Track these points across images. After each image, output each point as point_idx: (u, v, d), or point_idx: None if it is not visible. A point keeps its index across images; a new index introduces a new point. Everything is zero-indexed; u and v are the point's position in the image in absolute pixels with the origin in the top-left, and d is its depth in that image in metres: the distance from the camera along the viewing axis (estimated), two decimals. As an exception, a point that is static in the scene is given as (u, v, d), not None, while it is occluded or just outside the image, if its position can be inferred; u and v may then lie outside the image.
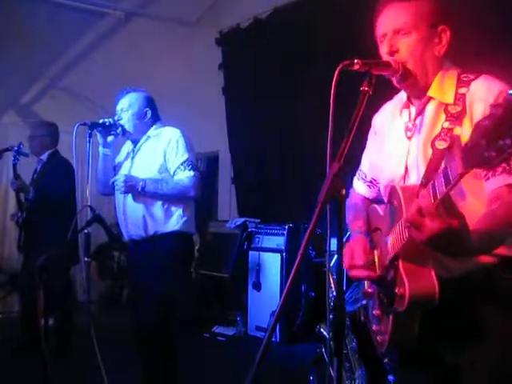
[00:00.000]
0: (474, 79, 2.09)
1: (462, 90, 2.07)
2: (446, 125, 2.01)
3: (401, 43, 2.11)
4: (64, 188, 5.34)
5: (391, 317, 2.05)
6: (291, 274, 1.74)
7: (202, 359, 5.63)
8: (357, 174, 2.57)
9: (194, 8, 8.24)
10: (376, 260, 2.22)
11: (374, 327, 2.24)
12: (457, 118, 2.01)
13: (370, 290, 2.30)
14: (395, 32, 2.11)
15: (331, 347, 1.80)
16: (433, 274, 1.92)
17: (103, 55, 8.50)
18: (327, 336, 2.63)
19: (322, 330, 3.38)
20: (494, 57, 4.40)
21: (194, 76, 8.32)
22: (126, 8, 8.19)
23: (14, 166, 5.79)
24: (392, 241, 2.04)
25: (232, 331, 6.75)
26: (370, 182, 2.55)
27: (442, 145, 1.97)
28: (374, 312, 2.24)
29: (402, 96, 2.29)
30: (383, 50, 2.14)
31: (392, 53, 2.11)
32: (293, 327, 6.15)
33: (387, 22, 2.14)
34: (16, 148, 5.80)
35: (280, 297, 6.20)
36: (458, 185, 1.66)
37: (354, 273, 2.21)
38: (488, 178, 1.98)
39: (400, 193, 2.02)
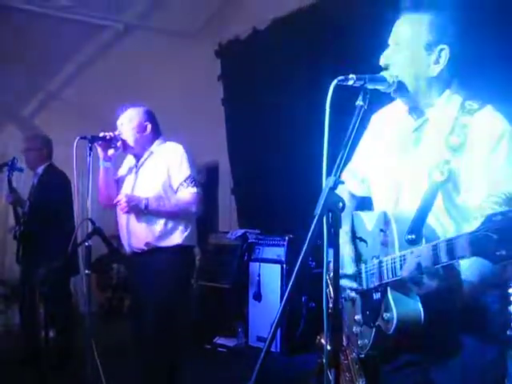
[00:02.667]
0: (477, 109, 2.08)
1: (464, 120, 2.07)
2: (445, 156, 2.02)
3: (395, 57, 2.13)
4: (60, 200, 5.37)
5: (374, 330, 2.13)
6: (289, 286, 1.77)
7: (204, 370, 5.62)
8: (346, 171, 2.53)
9: (193, 20, 8.26)
10: (363, 275, 2.25)
11: (355, 329, 2.28)
12: (456, 151, 2.02)
13: (352, 294, 2.34)
14: (394, 44, 2.15)
15: (328, 358, 1.83)
16: (419, 303, 2.00)
17: (103, 68, 8.52)
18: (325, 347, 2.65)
19: (322, 340, 3.39)
20: (498, 76, 4.44)
21: (194, 87, 8.34)
22: (124, 20, 8.22)
23: (9, 180, 5.82)
24: (382, 269, 2.10)
25: (233, 342, 6.73)
26: (362, 180, 2.55)
27: (438, 177, 2.00)
28: (355, 317, 2.28)
29: (404, 105, 2.29)
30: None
31: (385, 65, 2.14)
32: (293, 337, 6.14)
33: (392, 34, 2.17)
34: (10, 163, 5.84)
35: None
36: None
37: (342, 282, 2.25)
38: None
39: (393, 224, 2.08)
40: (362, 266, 2.26)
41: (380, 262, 2.12)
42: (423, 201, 2.03)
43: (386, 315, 2.03)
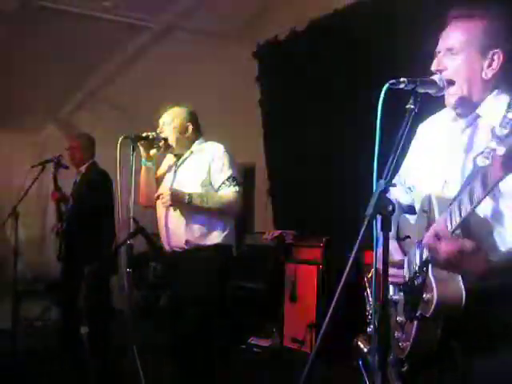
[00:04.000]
0: None
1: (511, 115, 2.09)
2: (491, 144, 2.02)
3: (449, 62, 2.16)
4: (102, 199, 5.43)
5: (415, 323, 2.11)
6: (338, 290, 1.78)
7: (239, 370, 5.65)
8: (396, 178, 2.56)
9: (232, 21, 8.31)
10: (405, 266, 2.27)
11: (397, 334, 2.27)
12: (502, 141, 2.02)
13: (395, 297, 2.34)
14: (447, 50, 2.18)
15: (370, 361, 1.84)
16: (460, 282, 1.97)
17: (142, 68, 8.62)
18: (365, 350, 2.66)
19: (359, 343, 3.38)
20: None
21: (232, 88, 8.39)
22: (163, 22, 8.29)
23: (55, 177, 5.90)
24: (422, 248, 2.10)
25: (268, 343, 6.75)
26: (409, 188, 2.56)
27: (483, 162, 2.00)
28: (397, 319, 2.28)
29: (451, 111, 2.31)
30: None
31: (438, 70, 2.16)
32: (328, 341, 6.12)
33: (443, 39, 2.20)
34: (55, 160, 5.91)
35: (316, 309, 6.20)
36: (496, 207, 1.88)
37: (391, 270, 2.25)
38: None
39: (434, 202, 2.09)
40: (405, 258, 2.27)
41: (420, 242, 2.12)
42: (465, 182, 2.03)
43: (426, 296, 2.02)
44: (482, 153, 2.01)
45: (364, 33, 6.54)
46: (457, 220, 1.87)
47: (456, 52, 2.16)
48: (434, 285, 1.99)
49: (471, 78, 2.16)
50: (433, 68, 2.18)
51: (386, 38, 6.04)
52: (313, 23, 7.52)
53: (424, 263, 2.08)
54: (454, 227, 1.88)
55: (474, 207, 1.79)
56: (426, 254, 2.07)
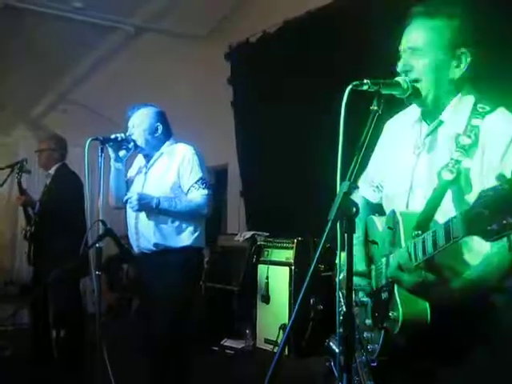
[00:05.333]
0: (488, 112, 2.09)
1: (476, 122, 2.07)
2: (455, 156, 2.03)
3: (416, 62, 2.12)
4: (71, 201, 5.37)
5: (383, 332, 2.13)
6: (302, 289, 1.77)
7: (211, 372, 5.63)
8: (363, 177, 2.56)
9: (203, 23, 8.30)
10: (373, 274, 2.28)
11: (366, 335, 2.29)
12: (466, 151, 2.03)
13: (363, 300, 2.35)
14: (412, 50, 2.13)
15: (340, 362, 1.84)
16: (426, 301, 2.00)
17: (113, 69, 8.57)
18: (336, 350, 2.65)
19: (331, 343, 3.39)
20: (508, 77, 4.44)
21: (204, 90, 8.37)
22: (135, 23, 8.26)
23: (19, 181, 5.84)
24: (389, 265, 2.11)
25: (241, 344, 6.74)
26: (377, 186, 2.55)
27: (448, 176, 2.01)
28: (365, 321, 2.29)
29: (417, 110, 2.28)
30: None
31: (405, 71, 2.12)
32: (302, 341, 6.14)
33: (407, 38, 2.16)
34: (19, 164, 5.85)
35: (289, 310, 6.21)
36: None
37: (356, 280, 2.25)
38: None
39: (400, 220, 2.09)
40: (373, 267, 2.28)
41: (387, 259, 2.13)
42: (431, 198, 2.03)
43: (392, 314, 2.04)
44: (447, 165, 2.02)
45: (336, 34, 6.58)
46: (420, 257, 1.91)
47: (422, 52, 2.11)
48: (399, 304, 2.02)
49: (438, 79, 2.13)
50: (399, 69, 2.14)
51: (359, 39, 6.07)
52: (285, 25, 7.55)
53: (391, 280, 2.09)
54: (417, 262, 1.92)
55: (437, 252, 1.82)
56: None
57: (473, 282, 1.96)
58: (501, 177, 1.51)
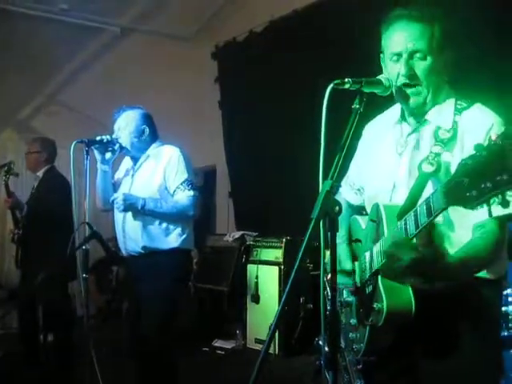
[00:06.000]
0: (466, 107, 2.13)
1: (455, 118, 2.11)
2: (435, 149, 2.04)
3: (417, 67, 2.13)
4: (59, 204, 5.33)
5: (368, 328, 2.13)
6: (287, 288, 1.78)
7: (202, 373, 5.63)
8: (344, 180, 2.57)
9: (190, 23, 8.29)
10: (357, 271, 2.28)
11: (351, 335, 2.30)
12: (446, 144, 2.05)
13: (348, 300, 2.36)
14: (411, 54, 2.13)
15: (326, 360, 1.84)
16: (410, 290, 2.01)
17: (100, 71, 8.54)
18: (326, 349, 2.66)
19: (320, 342, 3.39)
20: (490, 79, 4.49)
21: (191, 90, 8.36)
22: (122, 24, 8.24)
23: (6, 184, 5.80)
24: (373, 257, 2.12)
25: (231, 344, 6.74)
26: (358, 189, 2.57)
27: (428, 168, 2.02)
28: (350, 321, 2.30)
29: (397, 110, 2.31)
30: (399, 70, 2.13)
31: (411, 76, 2.12)
32: (291, 339, 6.15)
33: (403, 41, 2.13)
34: (6, 167, 5.82)
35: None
36: (447, 216, 1.90)
37: (340, 279, 2.26)
38: None
39: (383, 212, 2.10)
40: (356, 264, 2.29)
41: (371, 251, 2.14)
42: (412, 191, 2.05)
43: (376, 305, 2.04)
44: (427, 158, 2.04)
45: (323, 32, 6.58)
46: (413, 230, 1.88)
47: (423, 56, 2.12)
48: (383, 294, 2.02)
49: (438, 81, 2.16)
50: (402, 72, 2.12)
51: (346, 38, 6.09)
52: (272, 24, 7.55)
53: (374, 272, 2.09)
54: (411, 236, 1.88)
55: (431, 220, 1.80)
56: (376, 263, 2.08)
57: (462, 259, 1.96)
58: (478, 146, 1.52)
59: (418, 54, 2.11)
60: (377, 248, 2.09)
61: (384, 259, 1.98)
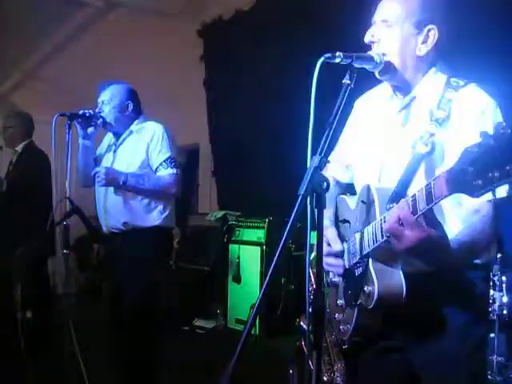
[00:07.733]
0: (462, 86, 2.09)
1: (449, 96, 2.07)
2: (429, 129, 2.01)
3: (382, 34, 2.11)
4: (37, 179, 5.27)
5: (356, 310, 2.10)
6: (271, 268, 1.73)
7: (182, 352, 5.61)
8: (332, 155, 2.52)
9: (176, -1, 8.17)
10: (345, 252, 2.24)
11: (337, 316, 2.27)
12: (440, 124, 2.02)
13: (335, 280, 2.33)
14: (382, 22, 2.12)
15: (310, 340, 1.81)
16: (401, 274, 1.97)
17: (83, 46, 8.41)
18: (306, 329, 2.63)
19: (301, 323, 3.38)
20: (487, 60, 4.43)
21: (176, 67, 8.26)
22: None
23: None
24: (363, 239, 2.07)
25: (212, 324, 6.74)
26: (346, 167, 2.53)
27: (422, 148, 1.99)
28: (338, 302, 2.27)
29: (388, 86, 2.28)
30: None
31: (371, 42, 2.12)
32: (273, 320, 6.14)
33: (378, 11, 2.15)
34: None
35: (260, 290, 6.19)
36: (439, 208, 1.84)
37: (330, 260, 2.22)
38: None
39: (374, 193, 2.05)
40: (345, 246, 2.24)
41: (361, 234, 2.09)
42: (405, 171, 2.02)
43: (367, 288, 2.00)
44: (421, 138, 2.00)
45: (309, 9, 6.51)
46: (423, 206, 1.77)
47: (391, 24, 2.10)
48: (374, 278, 1.98)
49: (405, 53, 2.11)
50: (366, 39, 2.13)
51: (333, 13, 6.03)
52: (258, 2, 7.47)
53: (365, 255, 2.05)
54: (419, 214, 1.78)
55: (430, 207, 1.74)
56: (367, 245, 2.04)
57: (461, 242, 1.94)
58: (484, 133, 1.48)
59: (387, 23, 2.11)
60: (368, 230, 2.04)
61: (383, 238, 1.92)
